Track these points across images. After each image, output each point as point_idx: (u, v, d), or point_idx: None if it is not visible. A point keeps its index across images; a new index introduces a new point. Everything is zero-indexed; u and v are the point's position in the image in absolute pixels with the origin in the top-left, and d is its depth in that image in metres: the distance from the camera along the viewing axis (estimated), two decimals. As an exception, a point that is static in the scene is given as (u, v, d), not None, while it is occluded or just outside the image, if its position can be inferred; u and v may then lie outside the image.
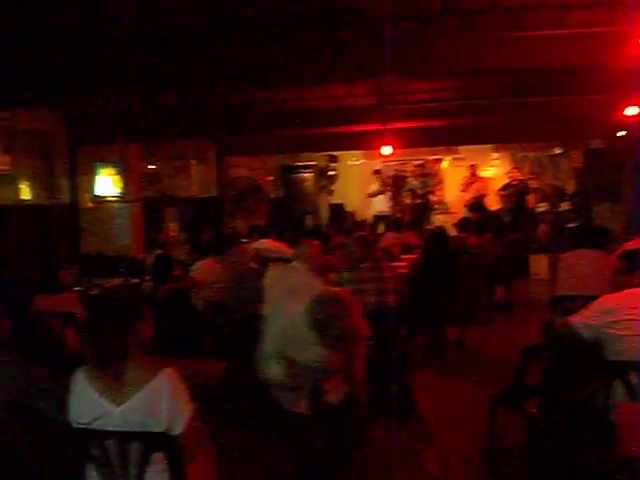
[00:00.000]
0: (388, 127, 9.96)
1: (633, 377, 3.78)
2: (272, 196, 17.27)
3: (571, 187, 16.01)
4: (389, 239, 9.39)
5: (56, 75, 7.40)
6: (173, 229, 12.65)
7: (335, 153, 17.20)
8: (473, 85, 9.20)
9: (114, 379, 2.87)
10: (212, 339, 6.59)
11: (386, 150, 11.75)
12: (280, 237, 10.04)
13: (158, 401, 2.86)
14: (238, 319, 6.23)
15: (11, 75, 7.08)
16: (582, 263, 6.05)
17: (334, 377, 4.23)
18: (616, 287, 4.46)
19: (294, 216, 16.36)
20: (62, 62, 7.00)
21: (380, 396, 5.46)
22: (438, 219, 16.22)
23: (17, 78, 7.24)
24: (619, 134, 12.47)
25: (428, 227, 15.21)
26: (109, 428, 2.88)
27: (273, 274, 6.01)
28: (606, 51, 6.36)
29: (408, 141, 12.40)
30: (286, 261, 6.30)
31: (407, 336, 6.69)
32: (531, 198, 15.84)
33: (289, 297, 5.63)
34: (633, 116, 9.46)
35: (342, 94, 9.02)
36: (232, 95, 9.68)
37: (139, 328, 3.00)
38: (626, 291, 4.11)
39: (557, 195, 15.64)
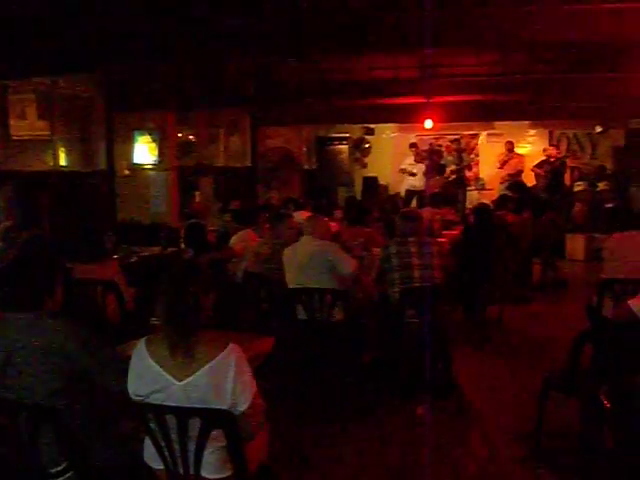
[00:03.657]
0: (430, 100, 9.80)
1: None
2: (306, 167, 17.16)
3: (609, 166, 15.75)
4: (428, 214, 9.24)
5: (94, 41, 7.31)
6: (207, 198, 12.59)
7: (371, 125, 17.03)
8: (518, 60, 9.01)
9: (183, 352, 2.81)
10: (250, 312, 6.54)
11: (427, 123, 11.59)
12: (317, 209, 9.94)
13: (223, 378, 2.79)
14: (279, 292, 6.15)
15: (49, 41, 7.01)
16: (633, 246, 5.89)
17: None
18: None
19: (327, 188, 16.25)
20: (100, 28, 6.92)
21: (423, 373, 5.42)
22: (473, 195, 16.07)
23: (55, 44, 7.17)
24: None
25: (466, 204, 15.13)
26: (168, 402, 2.82)
27: (288, 249, 6.00)
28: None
29: (447, 115, 12.24)
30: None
31: (448, 312, 6.62)
32: (568, 176, 15.61)
33: (300, 271, 5.68)
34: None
35: (386, 65, 8.87)
36: (269, 65, 9.56)
37: (205, 300, 2.94)
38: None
39: (595, 174, 15.39)
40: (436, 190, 13.08)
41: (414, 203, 14.73)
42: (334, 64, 9.14)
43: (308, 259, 5.74)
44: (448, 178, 15.55)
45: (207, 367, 2.79)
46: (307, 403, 5.55)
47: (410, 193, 15.39)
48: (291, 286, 5.83)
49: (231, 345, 2.85)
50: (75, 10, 6.47)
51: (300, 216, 8.94)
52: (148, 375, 2.85)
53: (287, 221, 6.88)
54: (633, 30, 6.33)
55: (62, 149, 10.24)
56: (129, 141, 11.25)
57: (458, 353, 6.32)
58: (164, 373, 2.82)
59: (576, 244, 13.33)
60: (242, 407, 2.83)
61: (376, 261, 6.30)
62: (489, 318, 8.04)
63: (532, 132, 16.78)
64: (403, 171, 15.74)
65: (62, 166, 10.13)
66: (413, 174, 15.32)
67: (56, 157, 10.01)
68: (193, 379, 2.79)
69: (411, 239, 5.83)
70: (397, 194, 16.14)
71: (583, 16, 6.15)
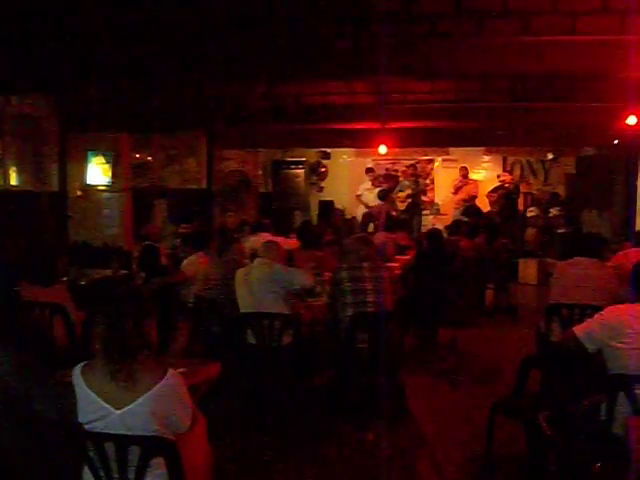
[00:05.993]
0: (385, 126, 9.87)
1: (638, 390, 3.71)
2: (261, 190, 17.14)
3: (561, 193, 16.04)
4: (382, 239, 9.30)
5: (49, 60, 7.24)
6: (162, 220, 12.48)
7: (327, 150, 17.10)
8: (472, 88, 9.12)
9: (121, 380, 2.74)
10: (201, 336, 6.48)
11: (382, 149, 11.68)
12: (277, 232, 9.94)
13: (162, 406, 2.75)
14: (230, 317, 6.10)
15: (2, 60, 6.93)
16: (578, 271, 5.98)
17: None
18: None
19: (283, 212, 16.23)
20: (55, 47, 6.86)
21: (373, 398, 5.42)
22: (428, 220, 16.21)
23: (9, 63, 7.09)
24: (615, 142, 12.46)
25: (421, 228, 15.25)
26: (109, 430, 2.76)
27: (241, 271, 5.97)
28: (614, 59, 6.28)
29: (403, 141, 12.33)
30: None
31: (400, 337, 6.63)
32: (521, 202, 15.85)
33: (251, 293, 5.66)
34: (630, 125, 9.39)
35: (341, 91, 8.92)
36: (227, 88, 9.55)
37: (148, 325, 2.89)
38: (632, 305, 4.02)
39: (548, 200, 15.65)
40: (381, 216, 13.15)
41: (371, 227, 14.80)
42: (289, 89, 9.15)
43: (260, 282, 5.72)
44: (392, 202, 15.67)
45: (146, 396, 2.74)
46: (256, 428, 5.50)
47: (366, 217, 15.46)
48: (242, 309, 5.78)
49: (170, 372, 2.81)
50: (29, 29, 6.41)
51: (260, 238, 8.92)
52: (85, 403, 2.79)
53: (235, 246, 6.86)
54: (582, 62, 6.47)
55: (13, 168, 10.07)
56: (82, 162, 11.10)
57: (409, 378, 6.34)
58: (101, 402, 2.76)
59: (528, 269, 13.54)
60: (181, 432, 2.79)
61: (327, 285, 6.30)
62: (441, 343, 8.09)
63: (486, 158, 17.01)
64: (359, 198, 15.85)
65: (13, 186, 9.96)
66: (369, 207, 15.42)
67: (7, 176, 9.83)
68: (132, 408, 2.74)
69: (365, 264, 5.84)
70: (353, 218, 16.21)
71: (534, 48, 6.26)
